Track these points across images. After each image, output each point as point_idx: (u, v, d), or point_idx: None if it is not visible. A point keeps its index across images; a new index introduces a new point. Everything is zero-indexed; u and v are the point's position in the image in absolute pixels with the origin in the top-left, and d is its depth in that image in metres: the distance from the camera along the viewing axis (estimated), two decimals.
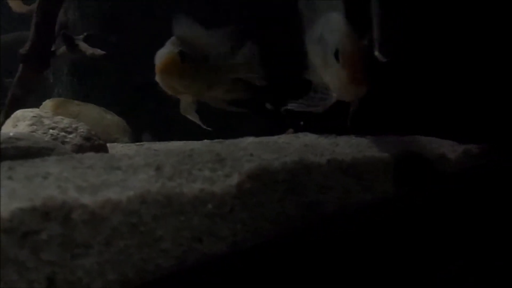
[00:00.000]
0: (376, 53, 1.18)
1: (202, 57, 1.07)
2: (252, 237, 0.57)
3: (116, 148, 1.37)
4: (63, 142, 1.14)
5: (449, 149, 1.02)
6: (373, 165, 0.75)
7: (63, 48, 1.24)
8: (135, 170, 0.54)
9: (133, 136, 1.83)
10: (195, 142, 1.43)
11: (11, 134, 0.80)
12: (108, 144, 1.26)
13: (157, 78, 1.00)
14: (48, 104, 1.85)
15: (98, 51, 1.16)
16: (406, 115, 1.15)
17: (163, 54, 1.02)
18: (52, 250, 0.42)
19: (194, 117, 1.11)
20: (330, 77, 0.87)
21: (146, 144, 1.36)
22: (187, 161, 0.60)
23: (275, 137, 0.92)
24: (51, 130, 1.16)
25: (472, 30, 1.17)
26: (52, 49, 1.29)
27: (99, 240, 0.45)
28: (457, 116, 1.21)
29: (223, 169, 0.58)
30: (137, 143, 1.55)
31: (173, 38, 1.07)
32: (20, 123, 1.17)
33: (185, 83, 1.01)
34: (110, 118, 1.87)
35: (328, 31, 0.90)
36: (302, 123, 1.23)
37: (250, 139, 0.84)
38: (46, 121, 1.18)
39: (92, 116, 1.86)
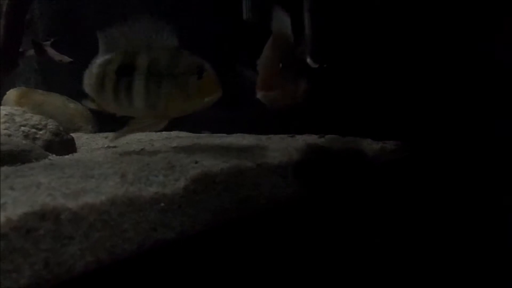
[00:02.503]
0: (308, 59, 1.35)
1: None
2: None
3: (81, 139, 1.51)
4: (34, 138, 1.27)
5: (367, 147, 1.23)
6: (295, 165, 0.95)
7: (31, 50, 1.35)
8: (105, 178, 0.71)
9: (96, 125, 1.95)
10: (154, 134, 1.58)
11: None
12: (73, 135, 1.39)
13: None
14: (12, 93, 1.94)
15: (66, 58, 1.28)
16: (333, 116, 1.34)
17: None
18: (47, 241, 0.59)
19: None
20: None
21: (110, 137, 1.50)
22: (145, 168, 0.77)
23: (217, 141, 1.10)
24: (22, 127, 1.27)
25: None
26: (20, 49, 1.40)
27: (80, 233, 0.62)
28: (378, 117, 1.40)
29: (173, 175, 0.76)
30: (101, 134, 1.68)
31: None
32: None
33: None
34: (74, 107, 1.97)
35: None
36: None
37: (198, 144, 1.02)
38: (17, 119, 1.29)
39: (56, 105, 1.96)
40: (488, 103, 1.30)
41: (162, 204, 0.71)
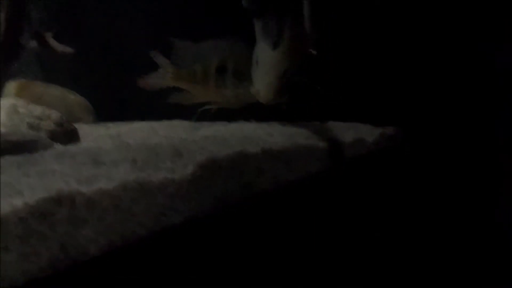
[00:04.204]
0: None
1: None
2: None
3: (84, 129, 1.52)
4: (38, 129, 1.28)
5: (368, 132, 1.25)
6: (298, 151, 0.97)
7: (33, 42, 1.36)
8: (116, 164, 0.73)
9: (96, 115, 1.96)
10: (155, 123, 1.59)
11: (2, 130, 0.96)
12: (75, 125, 1.40)
13: None
14: (11, 85, 1.94)
15: (68, 49, 1.29)
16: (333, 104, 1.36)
17: None
18: (63, 225, 0.62)
19: None
20: None
21: (112, 127, 1.52)
22: (154, 155, 0.79)
23: (222, 128, 1.12)
24: (26, 118, 1.29)
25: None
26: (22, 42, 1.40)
27: (94, 217, 0.65)
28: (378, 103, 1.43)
29: (181, 161, 0.79)
30: (102, 124, 1.69)
31: None
32: None
33: None
34: (73, 98, 1.97)
35: None
36: None
37: (201, 132, 1.04)
38: (21, 110, 1.30)
39: (55, 96, 1.97)
40: (488, 103, 1.32)
41: (171, 189, 0.73)
